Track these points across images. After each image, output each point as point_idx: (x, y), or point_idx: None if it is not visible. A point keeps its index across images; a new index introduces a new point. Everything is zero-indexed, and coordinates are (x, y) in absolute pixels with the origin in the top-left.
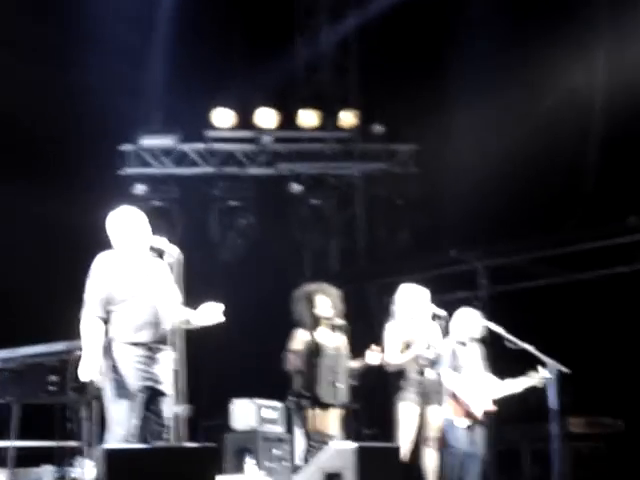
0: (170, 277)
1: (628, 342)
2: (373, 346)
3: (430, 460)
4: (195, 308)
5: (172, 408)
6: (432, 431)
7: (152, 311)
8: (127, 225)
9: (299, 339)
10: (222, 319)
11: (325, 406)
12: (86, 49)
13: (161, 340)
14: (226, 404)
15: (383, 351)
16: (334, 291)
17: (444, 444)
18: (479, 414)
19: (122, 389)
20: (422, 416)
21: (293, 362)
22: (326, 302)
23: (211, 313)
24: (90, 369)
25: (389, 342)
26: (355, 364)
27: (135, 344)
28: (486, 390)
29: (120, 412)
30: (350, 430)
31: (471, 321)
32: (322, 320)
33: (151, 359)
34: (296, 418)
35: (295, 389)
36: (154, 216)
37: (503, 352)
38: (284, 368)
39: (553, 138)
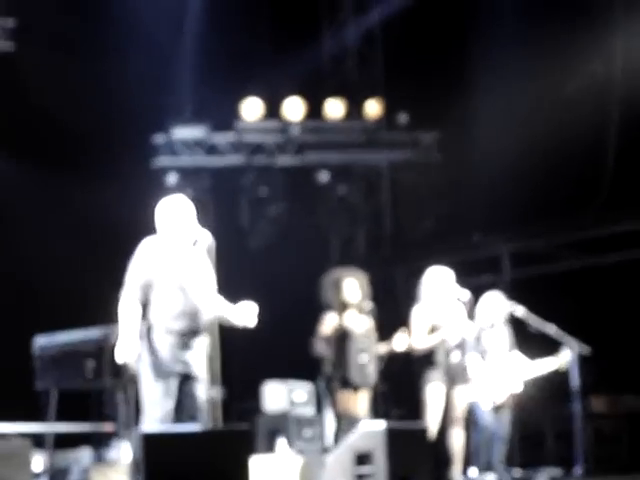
0: (209, 266)
1: None
2: (400, 331)
3: (457, 440)
4: (227, 295)
5: (206, 391)
6: (458, 412)
7: (190, 300)
8: (174, 213)
9: (328, 323)
10: (255, 322)
11: (354, 388)
12: (118, 41)
13: (197, 328)
14: (258, 387)
15: (409, 335)
16: (361, 275)
17: (471, 424)
18: (504, 396)
19: (157, 373)
20: (448, 397)
21: (320, 348)
22: (354, 286)
23: (247, 314)
24: (127, 351)
25: (415, 326)
26: (382, 349)
27: (171, 331)
28: (512, 373)
29: (155, 395)
30: (379, 411)
31: (497, 304)
32: (350, 304)
33: (186, 345)
34: (326, 400)
35: (325, 372)
36: None
37: (527, 335)
38: (312, 353)
39: (574, 123)
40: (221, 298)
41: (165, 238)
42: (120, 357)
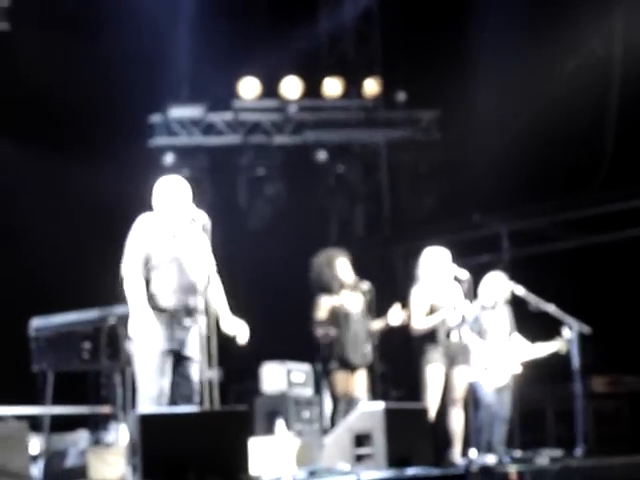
0: (207, 245)
1: None
2: (395, 306)
3: (457, 421)
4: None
5: (203, 372)
6: (458, 392)
7: (186, 277)
8: (171, 192)
9: (324, 306)
10: (244, 341)
11: (352, 368)
12: (115, 20)
13: (192, 306)
14: (256, 368)
15: (409, 315)
16: (346, 254)
17: (473, 405)
18: (505, 377)
19: (152, 350)
20: (448, 377)
21: (323, 334)
22: (346, 266)
23: (238, 331)
24: (142, 325)
25: (415, 306)
26: (377, 325)
27: (166, 308)
28: (512, 353)
29: (150, 373)
30: (377, 392)
31: (499, 285)
32: (345, 284)
33: (180, 324)
34: (324, 381)
35: (322, 353)
36: None
37: (527, 314)
38: (316, 339)
39: (573, 102)
40: (220, 291)
41: (161, 216)
42: (135, 333)
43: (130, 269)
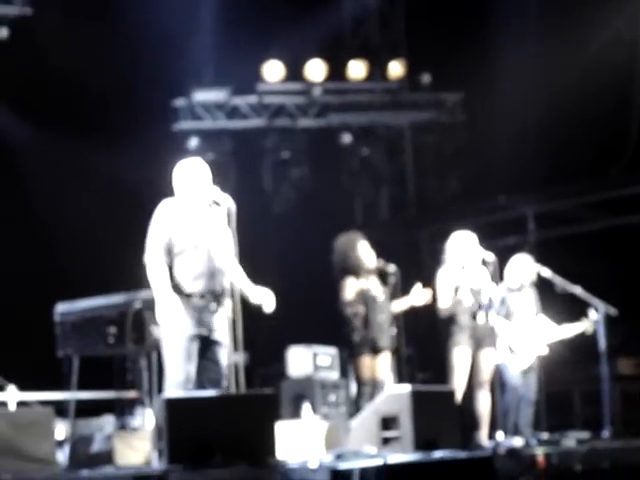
0: (228, 228)
1: None
2: (418, 286)
3: (484, 403)
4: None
5: (229, 356)
6: (485, 375)
7: (210, 261)
8: (191, 175)
9: (351, 287)
10: (270, 309)
11: (377, 351)
12: (139, 4)
13: (217, 290)
14: (282, 352)
15: (433, 295)
16: (365, 238)
17: (500, 387)
18: (531, 359)
19: (179, 335)
20: (475, 360)
21: (353, 313)
22: (368, 249)
23: (264, 300)
24: (168, 311)
25: (441, 288)
26: (400, 306)
27: (192, 293)
28: (538, 335)
29: (177, 358)
30: (404, 375)
31: (525, 267)
32: (368, 267)
33: (207, 308)
34: (350, 364)
35: (348, 336)
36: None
37: (553, 296)
38: (343, 321)
39: (598, 83)
40: (240, 270)
41: (183, 200)
42: (162, 318)
43: (153, 256)
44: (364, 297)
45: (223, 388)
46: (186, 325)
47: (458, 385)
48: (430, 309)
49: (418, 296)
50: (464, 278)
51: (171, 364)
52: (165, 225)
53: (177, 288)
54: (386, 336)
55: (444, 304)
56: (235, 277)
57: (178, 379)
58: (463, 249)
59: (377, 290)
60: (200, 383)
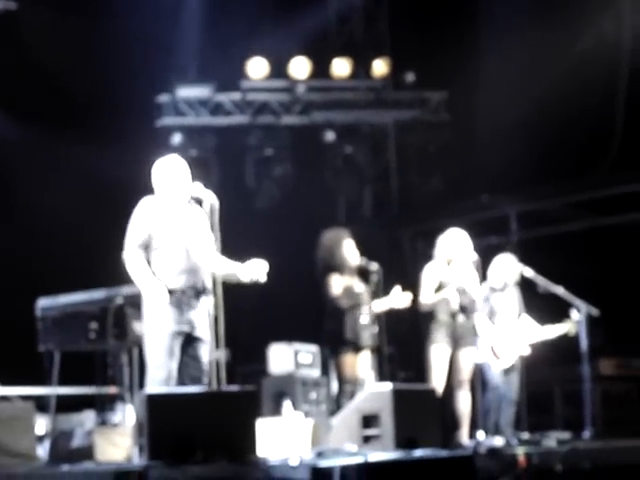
0: (207, 225)
1: None
2: (397, 288)
3: (464, 403)
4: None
5: (211, 353)
6: (465, 374)
7: (189, 258)
8: (170, 173)
9: (337, 284)
10: (264, 278)
11: (359, 349)
12: (123, 1)
13: (198, 286)
14: (263, 349)
15: (413, 297)
16: (351, 236)
17: (481, 386)
18: (513, 359)
19: (161, 333)
20: (455, 359)
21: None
22: (353, 247)
23: (256, 271)
24: (158, 294)
25: (424, 282)
26: (380, 307)
27: (173, 290)
28: (521, 334)
29: (158, 356)
30: (385, 373)
31: (509, 267)
32: (352, 265)
33: (188, 305)
34: (331, 362)
35: (330, 334)
36: (191, 166)
37: (535, 296)
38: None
39: (582, 83)
40: (223, 257)
41: (162, 198)
42: (158, 298)
43: (131, 252)
44: (348, 295)
45: (204, 385)
46: (168, 322)
47: (436, 383)
48: (412, 308)
49: (398, 298)
50: (450, 275)
51: (153, 361)
52: (143, 221)
53: None
54: (368, 334)
55: (425, 299)
56: (219, 267)
57: (160, 376)
58: (453, 246)
59: (359, 288)
60: (181, 380)
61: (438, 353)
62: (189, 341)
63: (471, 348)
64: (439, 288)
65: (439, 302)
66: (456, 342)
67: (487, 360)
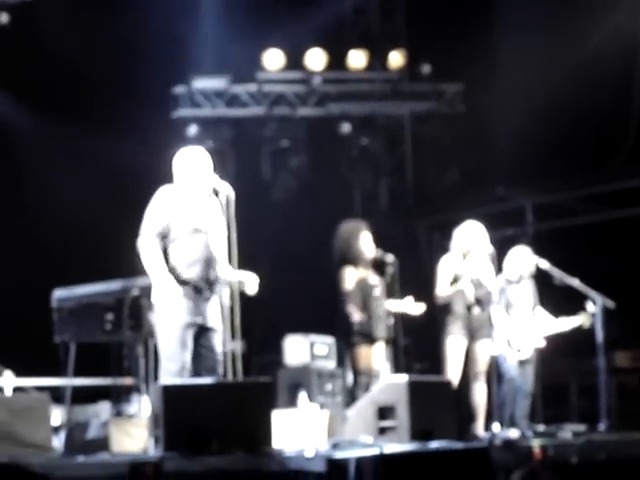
0: (222, 217)
1: None
2: (411, 298)
3: (480, 395)
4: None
5: (226, 344)
6: (481, 366)
7: (207, 249)
8: (193, 164)
9: (350, 278)
10: (255, 292)
11: (374, 341)
12: None
13: (212, 278)
14: (279, 340)
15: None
16: (368, 228)
17: (497, 378)
18: (529, 351)
19: (174, 324)
20: (471, 351)
21: (349, 306)
22: (370, 239)
23: (249, 284)
24: (166, 291)
25: (440, 274)
26: (392, 307)
27: (187, 280)
28: (536, 327)
29: (172, 348)
30: (400, 365)
31: (524, 259)
32: (368, 257)
33: (201, 295)
34: (346, 354)
35: (345, 325)
36: None
37: (551, 288)
38: (341, 311)
39: (598, 75)
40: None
41: (182, 188)
42: (161, 302)
43: (147, 241)
44: (363, 288)
45: (218, 375)
46: (181, 313)
47: (452, 375)
48: (428, 299)
49: (411, 306)
50: (466, 268)
51: (166, 353)
52: (163, 210)
53: (173, 274)
54: (383, 326)
55: (441, 291)
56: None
57: (174, 368)
58: (469, 239)
59: (374, 280)
60: (196, 371)
61: (454, 345)
62: (202, 332)
63: (487, 340)
64: (455, 281)
65: (455, 294)
66: (472, 334)
67: (503, 352)
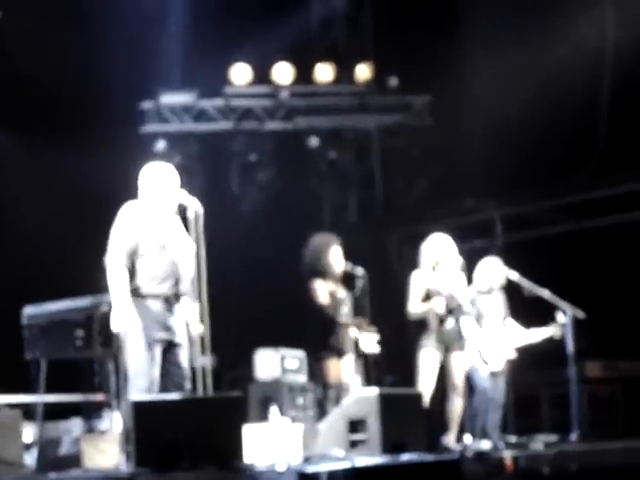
0: (186, 233)
1: None
2: (365, 326)
3: (456, 407)
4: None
5: (196, 359)
6: (457, 378)
7: (174, 265)
8: (158, 180)
9: (322, 290)
10: (197, 332)
11: (342, 354)
12: (106, 7)
13: (181, 293)
14: (249, 354)
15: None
16: (338, 242)
17: (468, 390)
18: (500, 362)
19: (143, 341)
20: (446, 363)
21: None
22: (340, 253)
23: (192, 326)
24: (123, 318)
25: (412, 291)
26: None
27: (155, 296)
28: (507, 338)
29: (140, 364)
30: (371, 378)
31: (495, 270)
32: (336, 273)
33: (169, 311)
34: (316, 367)
35: (315, 339)
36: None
37: (520, 299)
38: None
39: (566, 87)
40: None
41: (148, 204)
42: (118, 325)
43: (114, 259)
44: (333, 301)
45: (186, 391)
46: (148, 330)
47: (424, 387)
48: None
49: (366, 344)
50: (437, 281)
51: (135, 369)
52: (130, 228)
53: (140, 290)
54: (348, 340)
55: (414, 308)
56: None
57: (142, 384)
58: (437, 251)
59: (342, 294)
60: (163, 387)
61: (427, 357)
62: (169, 348)
63: (461, 352)
64: (427, 296)
65: (426, 311)
66: (446, 347)
67: (474, 364)
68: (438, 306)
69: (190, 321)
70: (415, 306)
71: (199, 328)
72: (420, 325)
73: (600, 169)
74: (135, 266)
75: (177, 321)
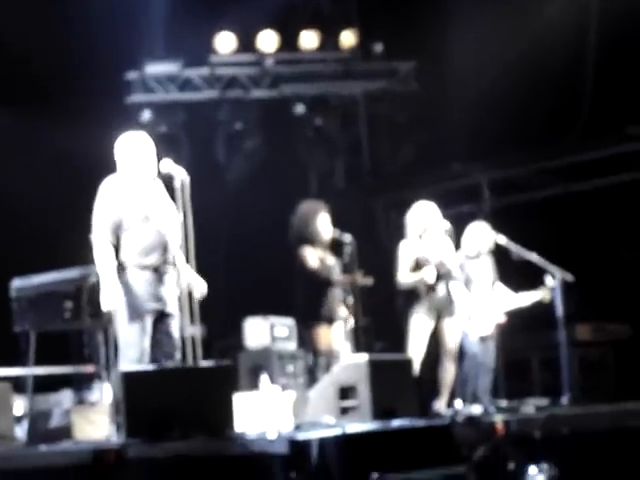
0: (170, 200)
1: (632, 249)
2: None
3: (448, 372)
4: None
5: (186, 329)
6: (450, 344)
7: (160, 234)
8: (134, 150)
9: (312, 256)
10: (200, 297)
11: (333, 321)
12: None
13: (170, 262)
14: (239, 323)
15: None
16: (327, 209)
17: (459, 354)
18: (489, 326)
19: (133, 312)
20: (439, 330)
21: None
22: (328, 220)
23: (197, 289)
24: (112, 297)
25: (401, 261)
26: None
27: (144, 267)
28: (496, 303)
29: (131, 335)
30: (361, 344)
31: (483, 235)
32: (324, 240)
33: (159, 281)
34: (306, 335)
35: (304, 307)
36: (161, 142)
37: (509, 263)
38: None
39: (551, 48)
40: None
41: (127, 176)
42: (107, 304)
43: (99, 237)
44: (322, 268)
45: (177, 361)
46: (139, 301)
47: (414, 353)
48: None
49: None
50: (425, 249)
51: (126, 340)
52: (112, 202)
53: (129, 263)
54: (337, 306)
55: (403, 278)
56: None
57: (133, 355)
58: (422, 219)
59: (331, 261)
60: (154, 357)
61: (418, 323)
62: (160, 318)
63: (452, 318)
64: (416, 265)
65: (416, 282)
66: (438, 314)
67: (464, 328)
68: (429, 276)
69: (193, 284)
70: (405, 276)
71: (203, 287)
72: (410, 292)
73: (586, 132)
74: (121, 240)
75: (168, 291)
